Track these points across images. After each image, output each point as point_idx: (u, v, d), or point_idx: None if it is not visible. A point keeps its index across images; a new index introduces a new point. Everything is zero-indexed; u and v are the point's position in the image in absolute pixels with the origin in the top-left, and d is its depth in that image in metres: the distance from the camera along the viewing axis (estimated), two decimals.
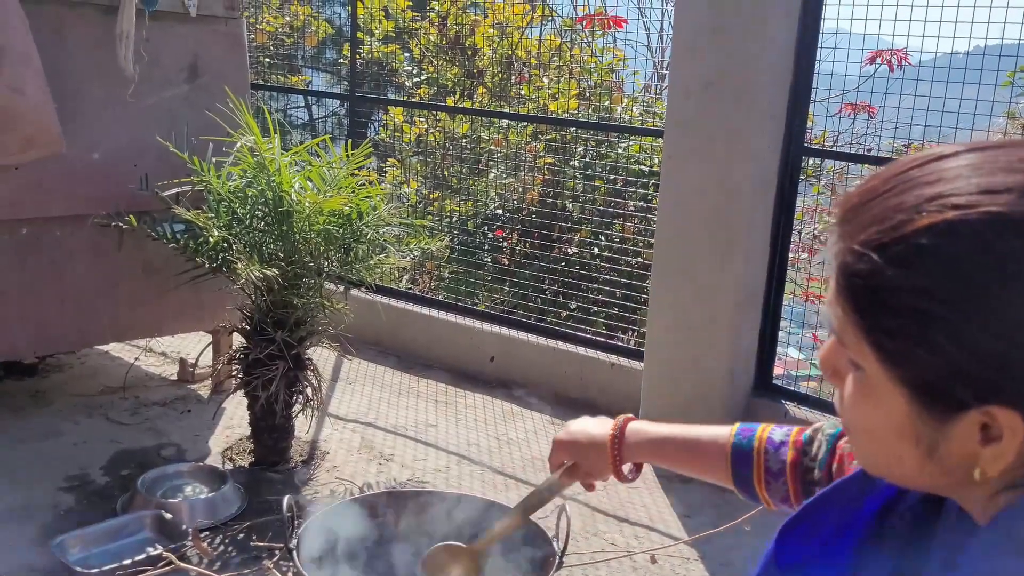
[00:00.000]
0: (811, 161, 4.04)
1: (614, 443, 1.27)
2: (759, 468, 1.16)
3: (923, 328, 0.65)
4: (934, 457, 0.71)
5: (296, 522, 1.94)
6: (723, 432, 1.21)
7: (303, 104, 8.11)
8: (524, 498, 1.43)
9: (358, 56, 5.39)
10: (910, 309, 0.66)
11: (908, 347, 0.67)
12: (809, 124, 3.78)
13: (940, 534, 0.81)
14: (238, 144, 3.19)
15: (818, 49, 3.44)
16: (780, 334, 3.92)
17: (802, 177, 3.75)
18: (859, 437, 0.77)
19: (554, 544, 1.83)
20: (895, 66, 4.11)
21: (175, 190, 3.33)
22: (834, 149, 4.29)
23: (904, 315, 0.66)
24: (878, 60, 4.14)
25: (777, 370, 4.01)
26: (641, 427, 1.28)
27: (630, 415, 1.31)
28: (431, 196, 5.33)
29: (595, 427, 1.31)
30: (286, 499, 1.95)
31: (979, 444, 0.67)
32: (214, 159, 3.23)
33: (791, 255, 3.97)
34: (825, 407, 3.50)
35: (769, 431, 1.18)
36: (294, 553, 1.85)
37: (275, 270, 3.06)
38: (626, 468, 1.31)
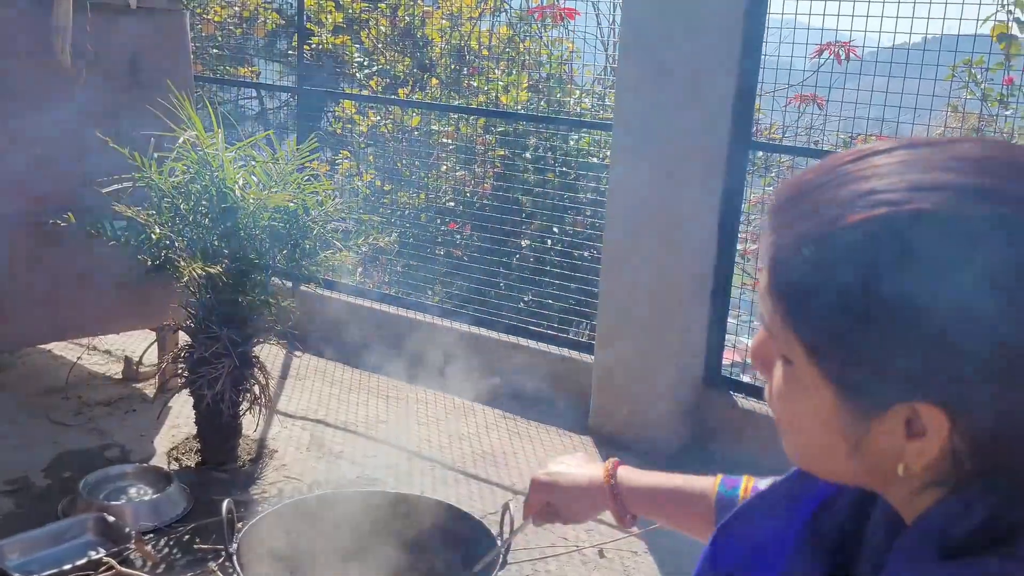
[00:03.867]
0: (759, 153, 4.06)
1: (615, 493, 1.23)
2: None
3: (851, 324, 0.65)
4: (860, 451, 0.70)
5: (238, 524, 1.92)
6: (707, 484, 1.19)
7: (255, 95, 7.99)
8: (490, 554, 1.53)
9: (308, 47, 5.32)
10: (839, 305, 0.65)
11: (836, 343, 0.66)
12: (758, 116, 3.80)
13: (868, 533, 0.81)
14: (180, 139, 3.13)
15: (764, 43, 3.46)
16: (735, 323, 3.96)
17: (750, 169, 3.78)
18: (787, 429, 0.76)
19: (498, 541, 1.83)
20: (843, 58, 4.15)
21: (116, 187, 3.26)
22: (781, 142, 4.33)
23: (833, 311, 0.66)
24: (826, 52, 4.19)
25: (733, 358, 4.05)
26: (629, 475, 1.24)
27: (615, 459, 1.26)
28: (384, 188, 5.28)
29: (578, 470, 1.27)
30: (226, 502, 1.92)
31: (903, 439, 0.67)
32: (156, 155, 3.17)
33: (744, 246, 4.00)
34: None
35: (754, 482, 1.15)
36: (234, 558, 1.84)
37: (219, 267, 3.01)
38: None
